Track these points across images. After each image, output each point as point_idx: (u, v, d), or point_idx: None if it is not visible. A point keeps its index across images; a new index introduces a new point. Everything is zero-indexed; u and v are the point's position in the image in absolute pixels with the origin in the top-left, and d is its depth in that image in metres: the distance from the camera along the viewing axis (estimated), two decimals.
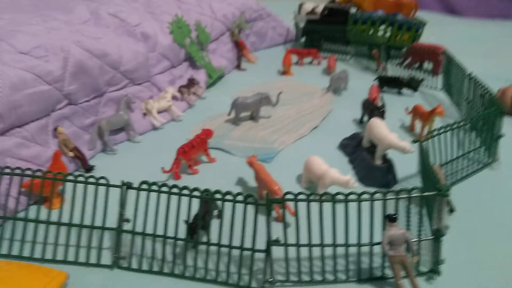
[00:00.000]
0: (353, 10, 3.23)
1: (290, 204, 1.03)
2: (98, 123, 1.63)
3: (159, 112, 1.89)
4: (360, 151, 1.54)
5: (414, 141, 1.30)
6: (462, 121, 1.39)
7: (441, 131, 1.35)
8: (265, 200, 0.98)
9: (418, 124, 1.84)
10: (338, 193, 0.96)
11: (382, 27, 3.00)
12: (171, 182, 1.41)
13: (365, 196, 0.96)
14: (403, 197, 0.98)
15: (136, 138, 1.75)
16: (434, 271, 1.02)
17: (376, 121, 1.49)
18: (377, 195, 0.96)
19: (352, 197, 0.95)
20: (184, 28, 2.24)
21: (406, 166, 1.48)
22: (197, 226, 1.06)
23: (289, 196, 0.97)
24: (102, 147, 1.66)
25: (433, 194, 0.97)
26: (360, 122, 1.93)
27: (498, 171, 1.54)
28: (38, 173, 1.13)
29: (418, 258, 0.99)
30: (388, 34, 2.96)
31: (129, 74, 1.81)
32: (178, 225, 1.06)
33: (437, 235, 0.99)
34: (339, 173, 1.28)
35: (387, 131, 1.44)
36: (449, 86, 2.13)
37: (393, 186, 1.44)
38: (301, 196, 0.96)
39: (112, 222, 1.10)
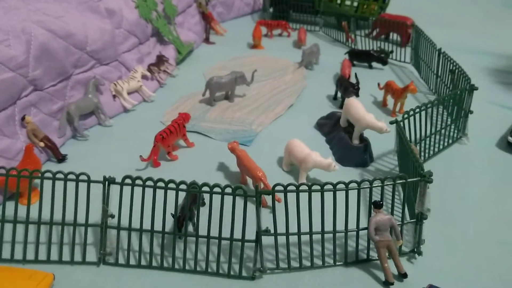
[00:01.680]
0: None
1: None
2: (67, 108, 1.55)
3: (130, 93, 1.81)
4: (337, 131, 1.56)
5: (392, 122, 1.33)
6: (435, 100, 1.43)
7: (416, 111, 1.39)
8: (254, 192, 0.98)
9: (390, 99, 1.88)
10: (326, 183, 0.97)
11: None
12: (150, 170, 1.41)
13: (353, 184, 0.98)
14: (389, 184, 1.01)
15: (108, 122, 1.69)
16: (415, 252, 1.07)
17: (353, 101, 1.50)
18: (364, 183, 0.99)
19: (340, 186, 0.97)
20: (150, 2, 2.13)
21: (379, 143, 1.52)
22: (185, 219, 1.05)
23: (278, 188, 0.98)
24: (72, 133, 1.58)
25: (417, 180, 1.00)
26: (334, 98, 1.95)
27: (467, 145, 1.61)
28: (13, 171, 1.06)
29: (402, 242, 1.03)
30: (355, 4, 2.96)
31: (96, 54, 1.71)
32: (165, 219, 1.05)
33: (420, 218, 1.03)
34: (320, 156, 1.30)
35: (364, 111, 1.46)
36: (418, 60, 2.18)
37: (369, 164, 1.49)
38: (290, 187, 0.97)
39: (95, 218, 1.07)
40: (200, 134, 1.62)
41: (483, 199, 1.34)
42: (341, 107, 1.86)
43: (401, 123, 1.33)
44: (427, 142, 1.50)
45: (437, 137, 1.54)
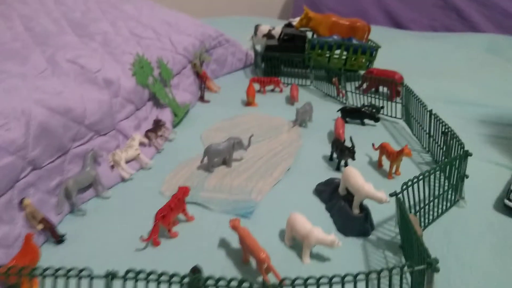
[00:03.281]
0: (309, 35, 3.30)
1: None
2: (65, 184, 1.54)
3: (127, 161, 1.82)
4: (337, 199, 1.57)
5: (391, 195, 1.35)
6: (432, 169, 1.45)
7: (414, 181, 1.41)
8: (261, 285, 0.97)
9: (385, 160, 1.91)
10: (334, 276, 0.97)
11: (338, 51, 3.09)
12: (150, 250, 1.39)
13: (360, 276, 0.98)
14: (397, 273, 1.01)
15: (105, 193, 1.68)
16: None
17: (351, 171, 1.52)
18: (372, 275, 0.98)
19: (348, 278, 0.97)
20: (146, 67, 2.18)
21: (379, 209, 1.53)
22: None
23: (286, 282, 0.97)
24: (70, 208, 1.57)
25: (423, 268, 1.00)
26: (330, 159, 1.97)
27: (465, 208, 1.63)
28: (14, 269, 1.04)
29: None
30: (344, 58, 3.05)
31: (94, 126, 1.73)
32: None
33: None
34: (323, 232, 1.30)
35: (363, 181, 1.47)
36: (409, 117, 2.23)
37: (371, 233, 1.49)
38: (298, 281, 0.96)
39: None
40: (200, 205, 1.61)
41: (486, 268, 1.34)
42: (337, 169, 1.88)
43: (401, 195, 1.34)
44: (426, 208, 1.51)
45: (436, 201, 1.55)
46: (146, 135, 1.97)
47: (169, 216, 1.39)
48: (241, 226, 1.31)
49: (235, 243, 1.39)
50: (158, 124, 2.05)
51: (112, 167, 1.77)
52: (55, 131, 1.52)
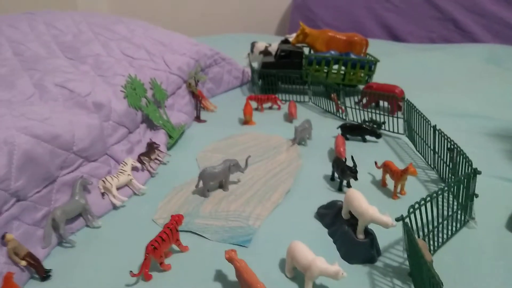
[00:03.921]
0: (306, 50, 3.26)
1: None
2: (52, 215, 1.45)
3: (119, 188, 1.74)
4: (340, 224, 1.48)
5: (398, 219, 1.26)
6: (440, 190, 1.37)
7: (422, 203, 1.32)
8: None
9: (389, 179, 1.83)
10: None
11: (336, 66, 3.04)
12: (141, 284, 1.30)
13: None
14: None
15: (96, 223, 1.59)
16: None
17: (354, 193, 1.44)
18: None
19: None
20: (139, 89, 2.12)
21: (385, 234, 1.45)
22: None
23: None
24: (58, 240, 1.48)
25: None
26: (331, 179, 1.89)
27: (476, 229, 1.54)
28: None
29: None
30: (342, 73, 3.00)
31: (84, 152, 1.65)
32: None
33: None
34: (326, 263, 1.21)
35: (367, 204, 1.39)
36: (412, 132, 2.15)
37: (377, 259, 1.40)
38: None
39: None
40: (195, 234, 1.52)
41: None
42: (339, 190, 1.80)
43: (408, 219, 1.26)
44: (435, 231, 1.42)
45: (445, 223, 1.47)
46: (139, 159, 1.90)
47: (161, 248, 1.30)
48: (237, 258, 1.22)
49: (232, 275, 1.30)
50: (151, 147, 1.97)
51: (103, 194, 1.68)
52: (41, 160, 1.45)
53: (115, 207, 1.69)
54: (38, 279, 1.32)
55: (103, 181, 1.69)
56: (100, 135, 1.75)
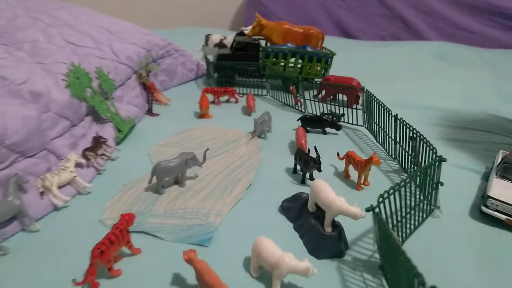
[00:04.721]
0: (262, 43, 3.17)
1: None
2: None
3: (61, 187, 1.55)
4: (306, 217, 1.40)
5: (368, 210, 1.19)
6: (407, 178, 1.32)
7: (391, 191, 1.26)
8: None
9: (352, 170, 1.78)
10: None
11: (293, 59, 2.98)
12: None
13: None
14: None
15: (33, 226, 1.40)
16: None
17: (320, 184, 1.36)
18: None
19: None
20: (83, 78, 1.92)
21: (352, 226, 1.38)
22: None
23: None
24: None
25: None
26: (294, 172, 1.81)
27: (441, 218, 1.51)
28: None
29: None
30: (299, 66, 2.94)
31: (18, 146, 1.45)
32: None
33: None
34: (295, 259, 1.11)
35: (334, 195, 1.31)
36: (371, 123, 2.12)
37: (345, 253, 1.33)
38: None
39: None
40: (148, 234, 1.38)
41: (470, 282, 1.22)
42: (302, 182, 1.72)
43: (377, 208, 1.19)
44: (403, 221, 1.37)
45: (412, 212, 1.43)
46: (84, 154, 1.71)
47: (109, 251, 1.15)
48: (197, 259, 1.10)
49: (192, 278, 1.17)
50: (98, 142, 1.79)
51: (42, 194, 1.49)
52: None
53: (56, 208, 1.50)
54: None
55: (41, 179, 1.50)
56: (38, 127, 1.56)
